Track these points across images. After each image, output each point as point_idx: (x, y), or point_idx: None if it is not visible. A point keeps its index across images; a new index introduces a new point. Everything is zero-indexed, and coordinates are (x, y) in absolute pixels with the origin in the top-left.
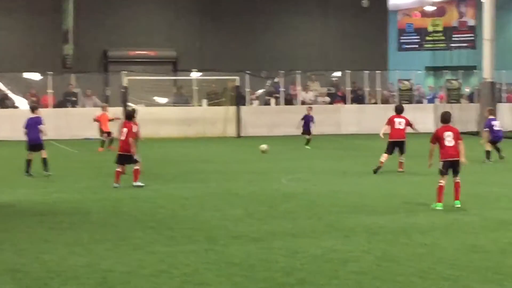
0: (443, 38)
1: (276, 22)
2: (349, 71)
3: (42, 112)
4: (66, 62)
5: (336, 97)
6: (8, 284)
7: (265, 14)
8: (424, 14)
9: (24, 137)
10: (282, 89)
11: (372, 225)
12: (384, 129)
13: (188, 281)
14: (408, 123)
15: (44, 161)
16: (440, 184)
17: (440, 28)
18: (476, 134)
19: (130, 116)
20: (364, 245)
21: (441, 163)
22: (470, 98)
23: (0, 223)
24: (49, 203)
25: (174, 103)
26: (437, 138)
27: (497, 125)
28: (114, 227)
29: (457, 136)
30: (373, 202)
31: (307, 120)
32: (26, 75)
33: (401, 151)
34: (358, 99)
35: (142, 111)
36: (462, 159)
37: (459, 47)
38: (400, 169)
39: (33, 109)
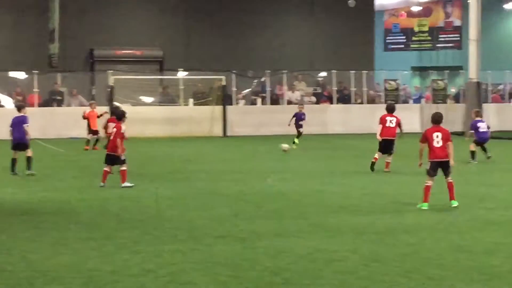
0: (429, 38)
1: (262, 22)
2: (335, 71)
3: (28, 111)
4: (52, 61)
5: (322, 97)
6: None
7: (251, 14)
8: (410, 14)
9: (9, 136)
10: (268, 88)
11: (358, 225)
12: (379, 129)
13: (174, 280)
14: (399, 123)
15: (28, 160)
16: (426, 184)
17: (426, 28)
18: (461, 134)
19: (120, 116)
20: (349, 245)
21: (429, 163)
22: (456, 98)
23: None
24: (34, 202)
25: (160, 102)
26: (426, 138)
27: (482, 126)
28: (100, 227)
29: (446, 137)
30: (359, 202)
31: (298, 118)
32: (12, 74)
33: (389, 150)
34: (344, 99)
35: (128, 110)
36: (451, 161)
37: (445, 47)
38: (386, 169)
39: (19, 108)
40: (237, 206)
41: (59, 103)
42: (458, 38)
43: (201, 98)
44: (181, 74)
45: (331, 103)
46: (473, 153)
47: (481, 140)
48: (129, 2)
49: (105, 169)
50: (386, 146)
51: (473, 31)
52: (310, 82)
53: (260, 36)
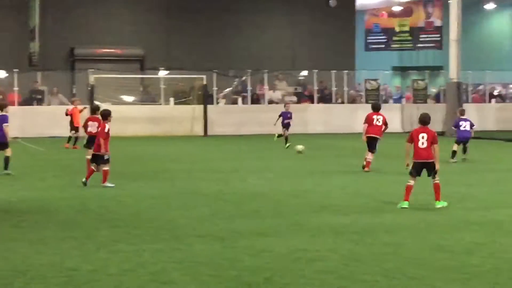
0: (410, 38)
1: (243, 21)
2: (316, 71)
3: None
4: (32, 59)
5: (303, 97)
6: None
7: (232, 13)
8: (391, 14)
9: None
10: (249, 88)
11: (338, 224)
12: (364, 129)
13: (154, 280)
14: (385, 122)
15: (6, 159)
16: (408, 183)
17: (407, 28)
18: (441, 134)
19: (105, 116)
20: (330, 245)
21: (412, 163)
22: (437, 98)
23: None
24: (14, 201)
25: (141, 101)
26: (411, 138)
27: (464, 125)
28: (80, 226)
29: (432, 139)
30: (339, 202)
31: (284, 117)
32: None
33: (373, 149)
34: (325, 98)
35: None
36: (437, 165)
37: (426, 48)
38: (367, 169)
39: (1, 107)
40: (218, 205)
41: (40, 102)
42: (439, 38)
43: (182, 98)
44: (162, 73)
45: (312, 102)
46: (454, 153)
47: (461, 139)
48: (110, 0)
49: (91, 167)
50: (370, 144)
51: (453, 31)
52: (291, 82)
53: (241, 36)
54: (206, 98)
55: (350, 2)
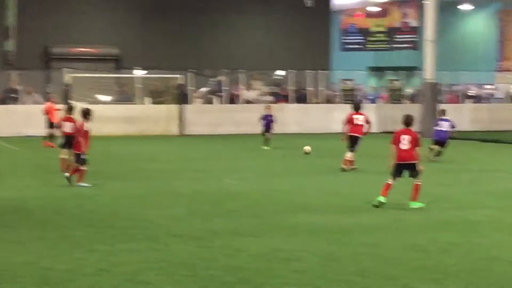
0: (386, 38)
1: (219, 21)
2: (293, 71)
3: None
4: (8, 58)
5: (279, 97)
6: None
7: (209, 13)
8: (367, 15)
9: None
10: (225, 88)
11: (315, 224)
12: (344, 128)
13: (129, 279)
14: (367, 120)
15: None
16: (387, 181)
17: (383, 29)
18: None
19: (85, 114)
20: (306, 244)
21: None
22: (412, 99)
23: None
24: None
25: (117, 101)
26: (395, 139)
27: (442, 125)
28: (55, 225)
29: (415, 141)
30: (316, 202)
31: (267, 120)
32: None
33: (353, 148)
34: (301, 98)
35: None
36: (420, 166)
37: (402, 48)
38: (344, 166)
39: None
40: (194, 205)
41: (15, 101)
42: (415, 39)
43: (158, 97)
44: (138, 73)
45: (288, 102)
46: (430, 150)
47: (437, 138)
48: (86, 0)
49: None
50: (351, 143)
51: (429, 32)
52: (267, 82)
53: (218, 35)
54: (182, 98)
55: (326, 2)
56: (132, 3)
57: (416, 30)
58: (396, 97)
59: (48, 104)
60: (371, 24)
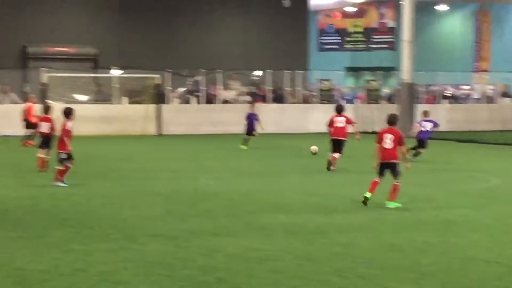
0: (363, 39)
1: (197, 20)
2: (270, 71)
3: None
4: None
5: (256, 97)
6: None
7: (186, 12)
8: (345, 15)
9: None
10: (203, 87)
11: (291, 224)
12: (328, 131)
13: (106, 279)
14: (349, 121)
15: None
16: (375, 179)
17: (360, 29)
18: None
19: (67, 113)
20: (282, 244)
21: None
22: (389, 99)
23: None
24: None
25: (94, 100)
26: (379, 138)
27: (422, 125)
28: (31, 225)
29: (398, 140)
30: (292, 201)
31: (251, 119)
32: None
33: (339, 150)
34: (279, 98)
35: (62, 108)
36: (407, 165)
37: (379, 48)
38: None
39: None
40: (171, 205)
41: None
42: (392, 39)
43: (135, 97)
44: (115, 73)
45: (265, 102)
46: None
47: (418, 138)
48: None
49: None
50: (335, 146)
51: (406, 32)
52: (245, 82)
53: (195, 35)
54: (159, 97)
55: (303, 3)
56: (110, 3)
57: (393, 31)
58: (373, 97)
59: (27, 104)
60: (349, 25)
